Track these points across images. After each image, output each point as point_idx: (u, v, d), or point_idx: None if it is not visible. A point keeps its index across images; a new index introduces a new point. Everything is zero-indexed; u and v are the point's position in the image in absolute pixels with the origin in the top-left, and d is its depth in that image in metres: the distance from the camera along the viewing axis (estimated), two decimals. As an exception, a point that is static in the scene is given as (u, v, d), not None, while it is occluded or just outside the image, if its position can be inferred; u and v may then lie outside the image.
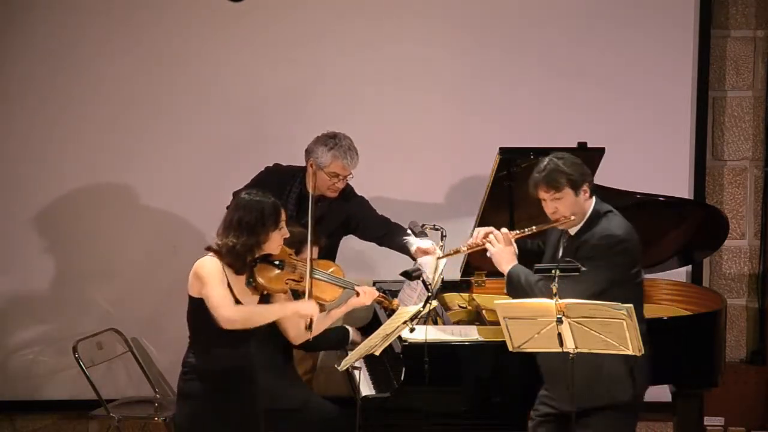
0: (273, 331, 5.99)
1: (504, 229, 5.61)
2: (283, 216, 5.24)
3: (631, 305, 4.97)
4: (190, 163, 7.26)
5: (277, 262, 5.26)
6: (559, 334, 5.04)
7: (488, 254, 5.67)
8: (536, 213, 6.34)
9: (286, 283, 5.28)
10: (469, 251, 5.74)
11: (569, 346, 5.08)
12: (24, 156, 7.30)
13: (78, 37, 7.23)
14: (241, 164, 6.86)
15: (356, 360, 5.64)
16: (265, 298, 5.31)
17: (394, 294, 6.67)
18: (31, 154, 7.29)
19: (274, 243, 5.20)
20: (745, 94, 7.61)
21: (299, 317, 5.31)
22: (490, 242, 5.60)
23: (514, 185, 6.35)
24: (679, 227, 6.65)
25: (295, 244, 6.21)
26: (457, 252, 5.76)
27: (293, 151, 6.87)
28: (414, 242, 6.31)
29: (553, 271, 5.14)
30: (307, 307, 5.30)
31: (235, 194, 6.61)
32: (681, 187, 7.40)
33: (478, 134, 7.30)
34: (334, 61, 7.33)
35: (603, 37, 7.38)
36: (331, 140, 6.50)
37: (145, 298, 7.33)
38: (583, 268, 5.35)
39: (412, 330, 5.51)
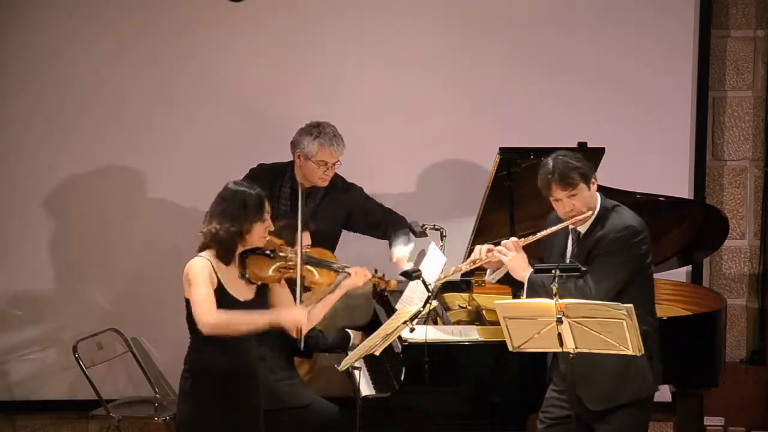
0: (280, 335, 5.99)
1: (513, 238, 5.55)
2: (268, 208, 5.21)
3: (631, 305, 4.97)
4: (191, 162, 7.25)
5: (267, 252, 5.25)
6: (559, 334, 5.04)
7: (484, 268, 5.65)
8: (536, 213, 6.34)
9: (280, 272, 5.27)
10: (471, 268, 5.63)
11: (569, 346, 5.08)
12: (23, 156, 7.30)
13: (74, 35, 7.22)
14: (242, 163, 6.85)
15: (356, 360, 5.64)
16: (263, 290, 5.30)
17: (395, 294, 6.68)
18: (30, 154, 7.29)
19: (257, 235, 5.19)
20: (745, 94, 7.61)
21: (286, 326, 5.24)
22: (501, 252, 5.51)
23: (514, 185, 6.35)
24: (679, 227, 6.65)
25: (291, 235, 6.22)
26: (458, 271, 5.66)
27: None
28: (396, 252, 6.36)
29: (553, 271, 5.15)
30: (294, 314, 5.24)
31: None
32: (681, 187, 7.40)
33: (478, 134, 7.30)
34: (334, 60, 7.32)
35: (603, 37, 7.38)
36: (315, 129, 6.55)
37: (145, 298, 7.32)
38: (584, 268, 5.36)
39: (412, 330, 5.51)
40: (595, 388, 5.43)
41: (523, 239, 5.55)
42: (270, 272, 5.26)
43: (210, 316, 5.10)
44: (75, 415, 7.43)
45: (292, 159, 6.62)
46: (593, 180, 5.45)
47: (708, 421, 7.35)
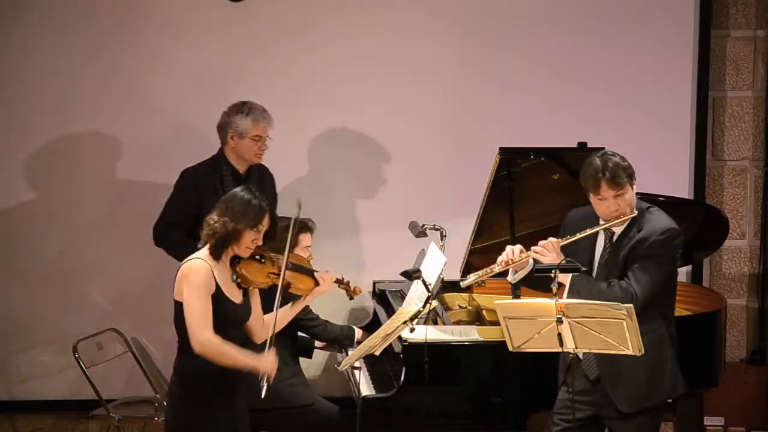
0: (285, 332, 6.00)
1: (551, 238, 5.43)
2: (265, 223, 5.23)
3: (631, 305, 4.97)
4: (191, 162, 7.24)
5: (257, 257, 5.29)
6: (559, 334, 5.04)
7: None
8: (536, 213, 6.35)
9: (269, 277, 5.30)
10: (501, 270, 5.49)
11: (569, 346, 5.08)
12: (23, 156, 7.30)
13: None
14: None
15: (356, 360, 5.64)
16: (247, 293, 5.32)
17: (395, 294, 6.69)
18: (30, 154, 7.29)
19: (245, 242, 5.21)
20: (745, 94, 7.61)
21: (258, 372, 5.21)
22: (540, 254, 5.38)
23: (514, 185, 6.35)
24: (679, 227, 6.64)
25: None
26: (490, 272, 5.48)
27: (292, 149, 6.89)
28: None
29: (553, 272, 5.13)
30: (267, 362, 5.22)
31: (154, 229, 6.63)
32: (681, 187, 7.40)
33: (478, 134, 7.30)
34: (333, 59, 7.32)
35: (603, 37, 7.38)
36: (244, 107, 6.62)
37: (145, 298, 7.32)
38: (583, 269, 5.35)
39: (412, 330, 5.52)
40: (629, 388, 5.38)
41: (562, 239, 5.44)
42: (260, 277, 5.28)
43: (207, 332, 5.12)
44: (75, 415, 7.43)
45: (213, 154, 6.65)
46: (635, 181, 5.41)
47: (708, 421, 7.36)
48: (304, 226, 6.25)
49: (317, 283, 5.45)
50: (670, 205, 6.55)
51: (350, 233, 7.33)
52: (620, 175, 5.32)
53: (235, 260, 5.26)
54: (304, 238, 6.25)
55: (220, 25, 7.27)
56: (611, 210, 5.36)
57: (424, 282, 5.82)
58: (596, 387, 5.42)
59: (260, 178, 6.65)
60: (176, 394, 5.28)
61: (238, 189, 5.31)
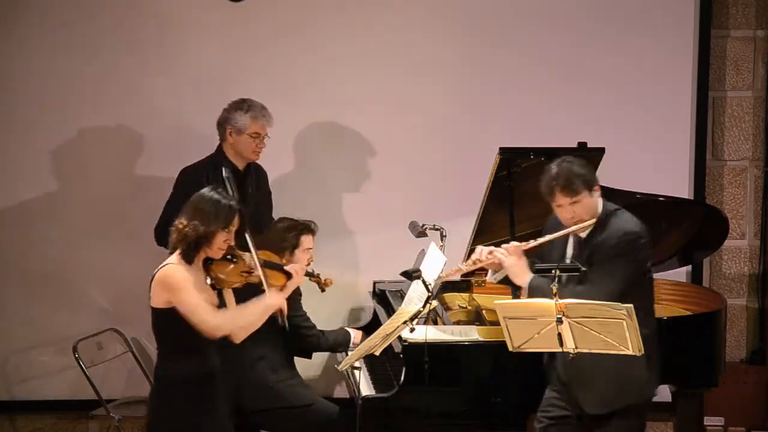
0: (282, 335, 5.99)
1: (514, 242, 5.53)
2: (235, 223, 5.18)
3: (631, 305, 4.97)
4: (190, 162, 7.24)
5: (229, 257, 5.26)
6: (559, 334, 5.04)
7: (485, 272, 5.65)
8: (536, 213, 6.34)
9: (242, 276, 5.28)
10: (472, 269, 5.62)
11: (569, 346, 5.08)
12: (26, 156, 7.30)
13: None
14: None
15: (356, 360, 5.64)
16: (221, 295, 5.30)
17: (395, 294, 6.69)
18: (31, 154, 7.29)
19: (217, 244, 5.16)
20: (745, 94, 7.60)
21: (274, 310, 5.28)
22: (502, 255, 5.48)
23: (514, 185, 6.35)
24: (679, 227, 6.65)
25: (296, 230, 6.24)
26: (458, 271, 5.67)
27: (292, 148, 6.86)
28: None
29: (554, 272, 5.14)
30: (276, 298, 5.28)
31: (156, 229, 6.63)
32: (681, 187, 7.40)
33: (478, 134, 7.30)
34: (334, 59, 7.31)
35: (603, 37, 7.38)
36: (244, 104, 6.64)
37: (145, 298, 7.28)
38: (583, 268, 5.35)
39: (412, 330, 5.52)
40: (595, 392, 5.42)
41: (524, 243, 5.51)
42: (234, 277, 5.26)
43: (213, 318, 5.12)
44: (75, 415, 7.43)
45: (211, 153, 6.65)
46: (596, 187, 5.43)
47: (708, 421, 7.36)
48: (306, 227, 6.25)
49: (290, 277, 5.44)
50: (670, 205, 6.57)
51: (350, 233, 7.33)
52: (574, 182, 5.37)
53: (208, 262, 5.22)
54: (306, 240, 6.24)
55: (220, 25, 7.27)
56: (568, 217, 5.43)
57: (424, 282, 5.82)
58: (570, 388, 5.46)
59: (257, 176, 6.66)
60: (157, 400, 5.25)
61: (205, 190, 5.23)
